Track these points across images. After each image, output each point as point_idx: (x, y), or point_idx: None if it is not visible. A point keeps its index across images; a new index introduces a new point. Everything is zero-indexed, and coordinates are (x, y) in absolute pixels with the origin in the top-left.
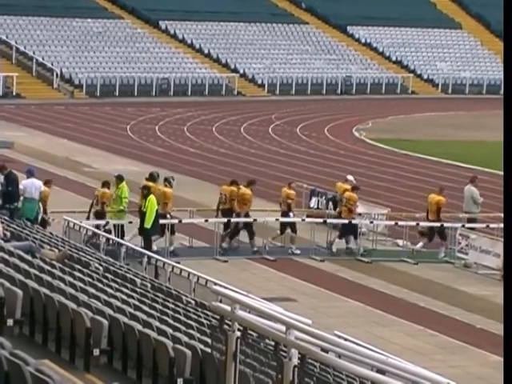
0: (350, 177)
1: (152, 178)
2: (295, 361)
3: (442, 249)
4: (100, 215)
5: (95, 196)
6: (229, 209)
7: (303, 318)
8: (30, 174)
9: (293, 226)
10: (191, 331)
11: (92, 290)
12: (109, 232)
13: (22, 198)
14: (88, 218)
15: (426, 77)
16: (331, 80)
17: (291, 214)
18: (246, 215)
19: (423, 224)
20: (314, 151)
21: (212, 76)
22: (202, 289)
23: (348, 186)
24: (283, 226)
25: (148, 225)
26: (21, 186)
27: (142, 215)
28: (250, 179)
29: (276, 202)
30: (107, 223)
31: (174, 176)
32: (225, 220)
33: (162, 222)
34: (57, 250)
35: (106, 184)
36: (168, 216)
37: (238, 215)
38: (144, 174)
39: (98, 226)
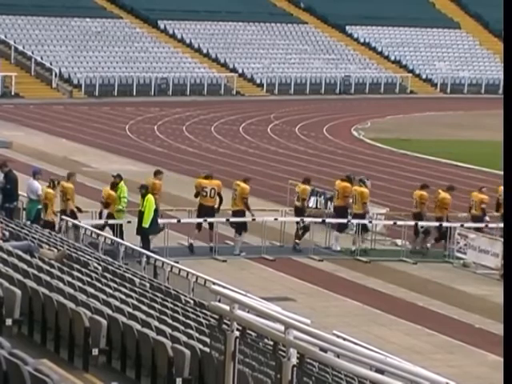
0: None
1: (349, 179)
2: (294, 360)
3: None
4: (300, 211)
5: (296, 192)
6: (418, 213)
7: (302, 318)
8: (32, 174)
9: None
10: (190, 331)
11: (91, 290)
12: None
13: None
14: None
15: (424, 76)
16: (330, 80)
17: (487, 218)
18: (446, 219)
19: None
20: (313, 151)
21: (211, 76)
22: (201, 288)
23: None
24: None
25: (146, 224)
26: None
27: (141, 215)
28: (450, 185)
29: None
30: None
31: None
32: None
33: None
34: (55, 250)
35: (306, 181)
36: (368, 215)
37: (440, 219)
38: (143, 174)
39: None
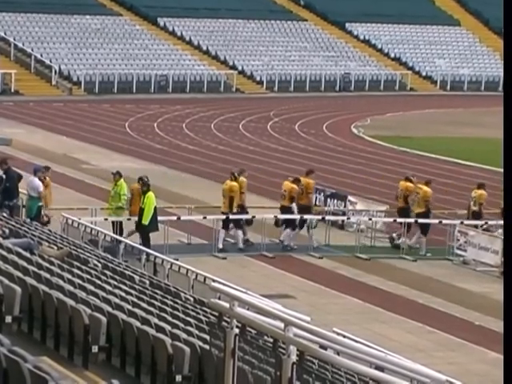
0: None
1: (482, 186)
2: (294, 358)
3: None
4: (478, 216)
5: (472, 198)
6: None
7: (302, 315)
8: (33, 171)
9: None
10: (190, 328)
11: (90, 287)
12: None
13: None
14: (468, 218)
15: (424, 74)
16: (330, 77)
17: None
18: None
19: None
20: (313, 148)
21: (210, 73)
22: (201, 286)
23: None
24: None
25: (146, 221)
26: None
27: (141, 212)
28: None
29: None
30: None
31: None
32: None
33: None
34: (55, 247)
35: (481, 186)
36: None
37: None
38: (143, 171)
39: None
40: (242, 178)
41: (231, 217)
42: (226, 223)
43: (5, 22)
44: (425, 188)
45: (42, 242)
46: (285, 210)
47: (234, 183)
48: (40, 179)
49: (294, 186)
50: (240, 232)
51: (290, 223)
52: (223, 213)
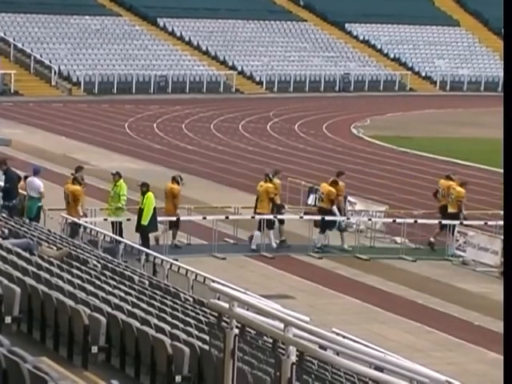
0: None
1: None
2: (293, 358)
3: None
4: None
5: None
6: None
7: (301, 316)
8: (33, 172)
9: None
10: (189, 328)
11: (90, 288)
12: None
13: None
14: None
15: (424, 74)
16: (329, 77)
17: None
18: None
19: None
20: (312, 148)
21: (210, 73)
22: (200, 286)
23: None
24: None
25: (145, 222)
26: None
27: (140, 212)
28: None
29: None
30: None
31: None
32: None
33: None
34: (55, 248)
35: None
36: None
37: None
38: (142, 172)
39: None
40: (276, 179)
41: (258, 217)
42: (269, 223)
43: (4, 23)
44: (458, 188)
45: (41, 243)
46: (323, 211)
47: (270, 184)
48: (77, 180)
49: (332, 188)
50: (271, 232)
51: (328, 225)
52: (259, 213)
